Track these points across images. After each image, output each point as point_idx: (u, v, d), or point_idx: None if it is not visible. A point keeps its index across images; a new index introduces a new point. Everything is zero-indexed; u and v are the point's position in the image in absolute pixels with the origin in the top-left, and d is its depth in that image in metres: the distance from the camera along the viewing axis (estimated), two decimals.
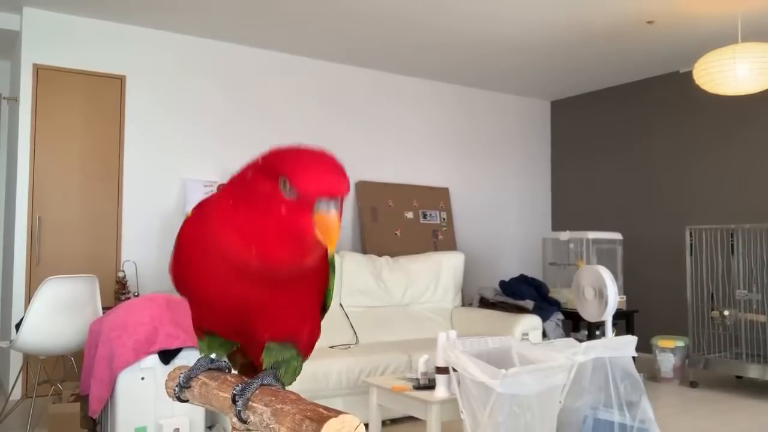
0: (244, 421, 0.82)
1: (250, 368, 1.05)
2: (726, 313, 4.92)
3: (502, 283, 5.39)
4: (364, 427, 0.74)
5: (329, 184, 0.74)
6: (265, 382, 0.87)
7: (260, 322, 0.87)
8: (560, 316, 5.09)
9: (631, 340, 3.12)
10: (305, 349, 0.94)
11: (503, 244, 6.96)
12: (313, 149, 0.78)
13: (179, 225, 5.40)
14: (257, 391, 0.84)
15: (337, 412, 0.72)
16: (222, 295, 0.84)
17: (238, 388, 0.84)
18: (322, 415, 0.72)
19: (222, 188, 0.84)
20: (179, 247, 0.88)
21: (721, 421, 4.03)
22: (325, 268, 0.91)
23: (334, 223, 0.74)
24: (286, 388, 0.93)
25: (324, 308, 0.98)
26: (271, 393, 0.82)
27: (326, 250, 0.86)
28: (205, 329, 0.95)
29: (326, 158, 0.77)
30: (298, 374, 0.97)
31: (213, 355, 0.97)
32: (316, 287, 0.90)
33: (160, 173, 5.06)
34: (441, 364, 2.91)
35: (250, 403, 0.82)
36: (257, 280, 0.81)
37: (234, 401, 0.83)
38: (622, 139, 6.68)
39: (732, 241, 5.00)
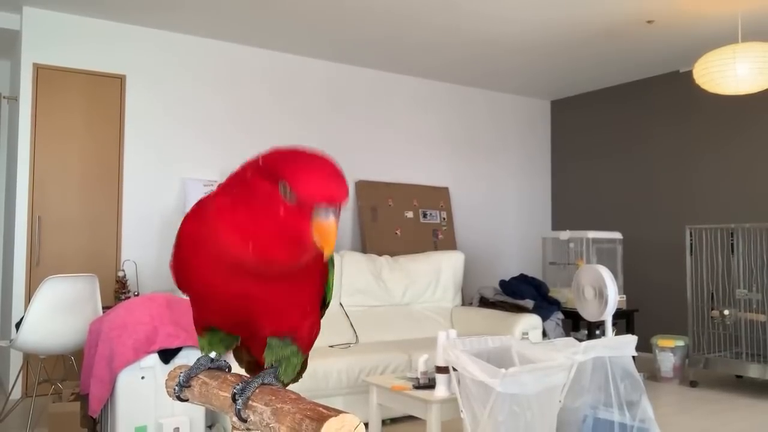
0: (243, 420, 0.82)
1: (255, 366, 1.06)
2: (726, 312, 4.92)
3: (502, 283, 5.39)
4: (363, 427, 0.74)
5: (329, 191, 0.75)
6: (266, 381, 0.87)
7: (260, 315, 0.88)
8: (560, 315, 5.09)
9: (631, 340, 3.12)
10: (306, 345, 0.94)
11: (503, 243, 6.96)
12: (314, 153, 0.78)
13: (179, 224, 5.43)
14: (257, 391, 0.84)
15: (337, 412, 0.73)
16: (221, 290, 0.85)
17: (238, 387, 0.84)
18: (322, 414, 0.73)
19: (221, 186, 0.85)
20: (179, 244, 0.89)
21: (721, 420, 4.03)
22: (323, 265, 0.91)
23: (333, 230, 0.74)
24: (289, 387, 0.93)
25: (324, 304, 0.98)
26: (271, 392, 0.82)
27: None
28: (206, 324, 0.95)
29: (327, 163, 0.77)
30: (300, 372, 0.97)
31: (213, 354, 0.97)
32: (315, 283, 0.91)
33: (160, 173, 5.06)
34: (441, 364, 2.92)
35: (250, 402, 0.83)
36: (255, 276, 0.82)
37: (234, 400, 0.83)
38: (622, 138, 6.68)
39: (732, 240, 5.00)
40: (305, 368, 1.08)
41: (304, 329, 0.92)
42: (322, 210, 0.74)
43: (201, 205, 0.88)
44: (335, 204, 0.75)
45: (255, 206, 0.77)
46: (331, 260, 0.95)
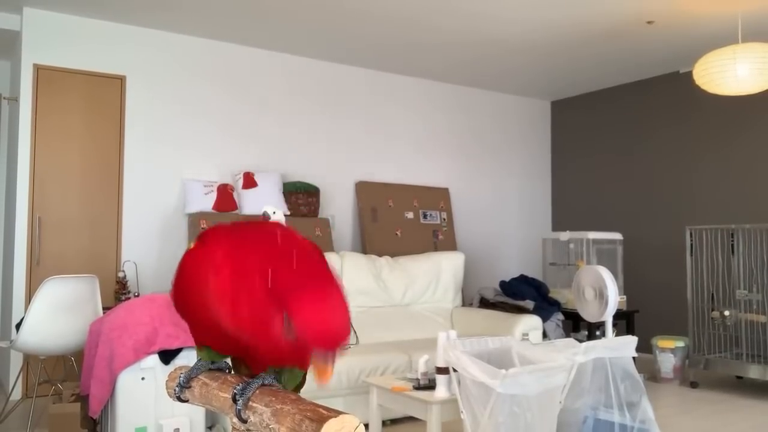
0: (243, 421, 0.82)
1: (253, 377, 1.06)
2: (726, 313, 4.92)
3: (502, 284, 5.39)
4: (363, 428, 0.74)
5: (330, 339, 0.75)
6: (266, 382, 0.87)
7: (255, 360, 0.90)
8: (560, 316, 5.09)
9: (631, 341, 3.11)
10: (305, 364, 0.94)
11: (503, 244, 6.96)
12: (323, 282, 0.76)
13: (180, 225, 5.38)
14: (257, 392, 0.84)
15: (337, 413, 0.73)
16: (216, 334, 0.87)
17: (238, 388, 0.84)
18: (321, 415, 0.73)
19: (231, 231, 0.84)
20: (180, 278, 0.88)
21: (721, 421, 4.03)
22: None
23: (329, 373, 0.77)
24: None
25: None
26: (271, 393, 0.82)
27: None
28: (203, 344, 0.96)
29: (332, 303, 0.76)
30: (300, 383, 0.97)
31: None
32: None
33: (160, 173, 5.06)
34: (441, 364, 2.91)
35: (250, 403, 0.82)
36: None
37: (234, 400, 0.83)
38: (622, 139, 6.68)
39: (732, 241, 5.00)
40: (304, 382, 1.08)
41: (306, 361, 0.92)
42: (321, 356, 0.76)
43: (206, 244, 0.86)
44: (334, 350, 0.76)
45: (257, 315, 0.76)
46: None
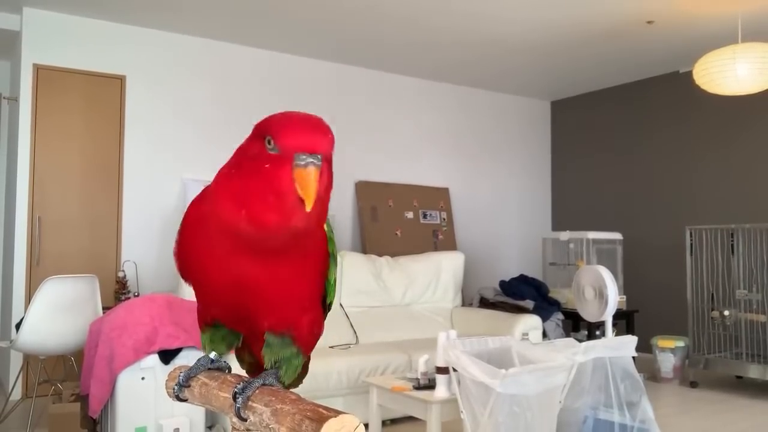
0: (243, 419, 0.82)
1: (256, 368, 1.05)
2: (726, 313, 4.92)
3: (502, 283, 5.39)
4: (363, 427, 0.74)
5: (308, 139, 0.76)
6: (267, 381, 0.87)
7: (257, 303, 0.87)
8: (560, 316, 5.09)
9: (631, 340, 3.11)
10: (305, 344, 0.93)
11: (503, 244, 6.96)
12: (302, 113, 0.80)
13: (179, 225, 5.41)
14: (257, 391, 0.84)
15: (337, 412, 0.73)
16: (220, 272, 0.85)
17: (239, 387, 0.84)
18: (321, 415, 0.73)
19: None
20: (183, 227, 0.89)
21: (721, 421, 4.03)
22: (324, 254, 0.90)
23: (311, 177, 0.75)
24: (291, 390, 0.93)
25: (327, 305, 0.97)
26: (271, 393, 0.82)
27: (324, 235, 0.88)
28: (208, 316, 0.95)
29: (311, 118, 0.79)
30: (302, 374, 0.96)
31: (213, 355, 0.97)
32: (313, 272, 0.89)
33: (160, 173, 5.06)
34: (441, 364, 2.91)
35: (250, 402, 0.82)
36: (251, 251, 0.82)
37: (234, 399, 0.83)
38: (622, 139, 6.68)
39: (732, 241, 5.00)
40: (306, 372, 1.07)
41: (302, 325, 0.91)
42: (302, 157, 0.75)
43: (206, 187, 0.90)
44: (314, 152, 0.76)
45: (246, 168, 0.79)
46: (334, 258, 0.94)
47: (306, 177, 0.75)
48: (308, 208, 0.74)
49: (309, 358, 1.01)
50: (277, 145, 0.77)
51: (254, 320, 0.89)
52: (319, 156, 0.76)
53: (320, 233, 0.88)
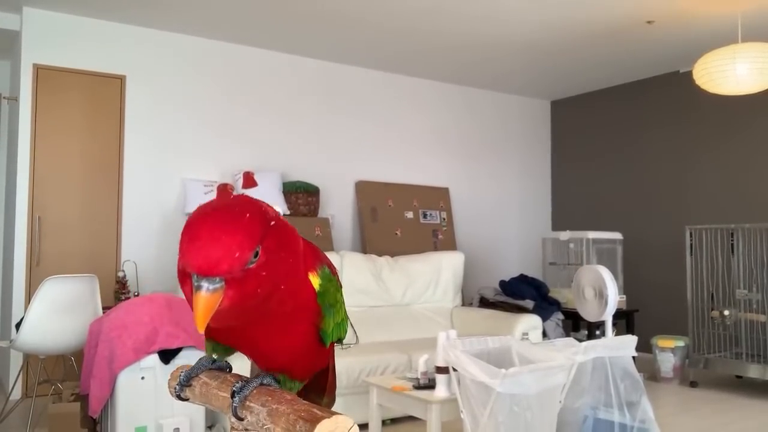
0: (240, 418, 0.83)
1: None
2: (726, 312, 4.92)
3: (502, 283, 5.39)
4: (357, 428, 0.74)
5: (204, 260, 0.68)
6: (265, 382, 0.87)
7: (244, 350, 0.88)
8: (560, 315, 5.09)
9: (631, 340, 3.12)
10: (302, 377, 0.93)
11: (503, 243, 6.96)
12: (219, 214, 0.71)
13: (179, 225, 5.39)
14: (255, 391, 0.84)
15: (331, 413, 0.73)
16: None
17: (237, 386, 0.85)
18: (315, 415, 0.73)
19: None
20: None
21: (721, 421, 4.03)
22: (311, 309, 0.86)
23: (200, 302, 0.68)
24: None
25: (327, 341, 0.93)
26: (268, 393, 0.83)
27: (312, 290, 0.83)
28: (206, 333, 0.96)
29: (218, 228, 0.69)
30: (298, 386, 0.96)
31: (215, 356, 0.97)
32: (297, 329, 0.86)
33: (160, 173, 5.06)
34: (441, 364, 2.91)
35: (247, 403, 0.83)
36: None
37: (232, 397, 0.84)
38: (622, 138, 6.68)
39: (732, 241, 5.00)
40: (334, 385, 1.08)
41: (296, 370, 0.91)
42: (195, 280, 0.69)
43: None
44: (210, 274, 0.68)
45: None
46: (330, 307, 0.89)
47: (197, 301, 0.68)
48: (200, 330, 0.69)
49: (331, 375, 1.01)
50: (181, 263, 0.71)
51: (251, 353, 0.91)
52: (216, 279, 0.68)
53: (305, 292, 0.83)
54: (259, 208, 0.72)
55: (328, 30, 5.11)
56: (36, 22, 4.67)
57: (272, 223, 0.72)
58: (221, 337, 0.91)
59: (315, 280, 0.85)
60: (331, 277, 0.89)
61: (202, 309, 0.68)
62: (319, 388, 1.06)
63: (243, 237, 0.69)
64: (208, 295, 0.68)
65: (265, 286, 0.72)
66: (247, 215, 0.70)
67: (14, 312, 4.51)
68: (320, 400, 1.06)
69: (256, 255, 0.69)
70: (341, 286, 0.95)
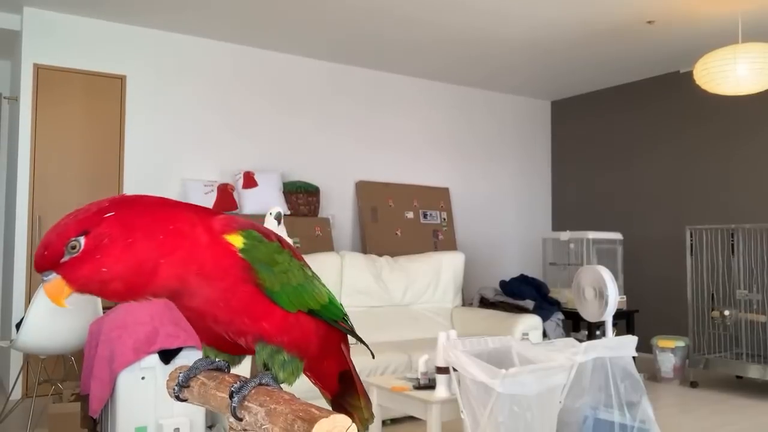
0: (239, 419, 0.83)
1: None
2: (726, 313, 4.92)
3: (502, 283, 5.39)
4: (355, 428, 0.74)
5: (36, 259, 0.81)
6: (263, 381, 0.88)
7: (217, 325, 0.91)
8: (560, 316, 5.09)
9: (631, 340, 3.11)
10: (284, 342, 0.92)
11: (503, 244, 6.96)
12: (69, 214, 0.82)
13: None
14: (253, 392, 0.84)
15: (329, 412, 0.73)
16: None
17: (235, 386, 0.85)
18: (313, 415, 0.73)
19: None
20: None
21: (721, 421, 4.03)
22: (238, 265, 0.88)
23: (45, 291, 0.80)
24: (290, 386, 0.93)
25: (281, 301, 0.93)
26: (267, 393, 0.83)
27: (231, 249, 0.87)
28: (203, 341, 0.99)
29: (54, 227, 0.81)
30: (295, 371, 0.94)
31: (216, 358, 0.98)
32: (236, 287, 0.88)
33: (160, 173, 5.06)
34: (441, 364, 2.91)
35: (246, 403, 0.83)
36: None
37: (231, 398, 0.84)
38: (622, 139, 6.68)
39: (732, 241, 5.00)
40: (303, 363, 1.04)
41: (267, 330, 0.90)
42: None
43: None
44: (42, 269, 0.80)
45: None
46: (267, 264, 0.91)
47: (44, 291, 0.84)
48: (61, 305, 0.81)
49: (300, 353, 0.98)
50: None
51: (232, 341, 0.93)
52: (47, 272, 0.80)
53: (217, 253, 0.87)
54: (88, 208, 0.82)
55: (328, 31, 5.11)
56: (36, 22, 4.67)
57: (109, 214, 0.81)
58: (203, 337, 0.95)
59: (236, 239, 0.88)
60: (266, 240, 0.92)
61: (48, 296, 0.80)
62: (352, 390, 1.10)
63: (52, 237, 0.79)
64: (47, 284, 0.80)
65: (115, 265, 0.80)
66: (69, 217, 0.81)
67: (14, 312, 4.51)
68: (358, 403, 1.10)
69: (74, 247, 0.79)
70: (299, 258, 0.98)
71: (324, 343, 1.00)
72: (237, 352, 0.99)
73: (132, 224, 0.81)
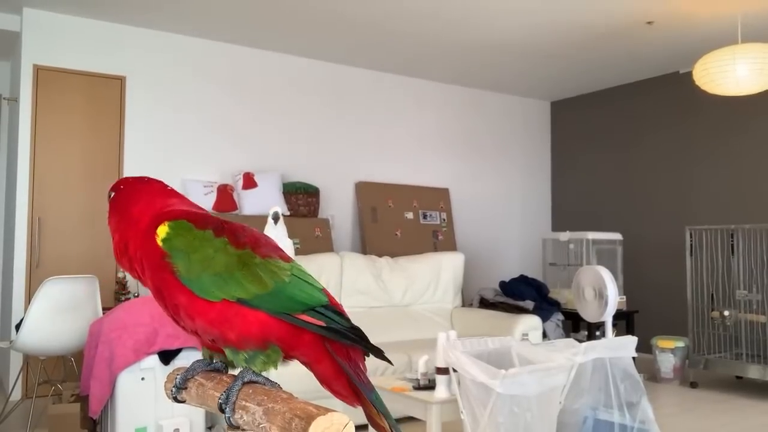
0: (235, 427, 0.83)
1: None
2: (726, 313, 4.92)
3: (502, 284, 5.39)
4: (353, 426, 0.74)
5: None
6: (246, 379, 0.87)
7: (181, 323, 0.93)
8: (560, 316, 5.09)
9: (631, 341, 3.11)
10: (230, 340, 0.88)
11: (503, 244, 6.96)
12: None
13: None
14: (251, 391, 0.84)
15: (326, 410, 0.73)
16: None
17: (222, 397, 0.84)
18: (310, 413, 0.73)
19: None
20: None
21: (721, 421, 4.03)
22: (159, 254, 0.88)
23: None
24: (286, 387, 0.93)
25: (195, 286, 0.89)
26: (264, 392, 0.83)
27: (154, 240, 0.90)
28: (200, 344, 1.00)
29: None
30: (267, 360, 0.89)
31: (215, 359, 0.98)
32: (161, 275, 0.89)
33: (160, 173, 5.06)
34: (441, 365, 2.91)
35: (243, 402, 0.83)
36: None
37: (222, 410, 0.84)
38: (622, 139, 6.68)
39: (732, 241, 5.00)
40: (277, 354, 0.93)
41: (207, 328, 0.88)
42: None
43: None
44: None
45: None
46: (184, 246, 0.89)
47: None
48: None
49: (274, 344, 0.91)
50: None
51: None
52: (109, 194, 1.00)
53: (147, 243, 0.91)
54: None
55: (329, 31, 5.11)
56: (36, 23, 4.67)
57: (120, 188, 1.00)
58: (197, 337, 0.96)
59: (162, 229, 0.91)
60: (195, 229, 0.90)
61: None
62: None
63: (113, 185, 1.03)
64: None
65: (111, 223, 0.98)
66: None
67: (14, 313, 4.51)
68: (372, 396, 1.00)
69: (109, 196, 1.01)
70: (240, 246, 0.91)
71: (291, 340, 0.91)
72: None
73: (117, 200, 0.98)
